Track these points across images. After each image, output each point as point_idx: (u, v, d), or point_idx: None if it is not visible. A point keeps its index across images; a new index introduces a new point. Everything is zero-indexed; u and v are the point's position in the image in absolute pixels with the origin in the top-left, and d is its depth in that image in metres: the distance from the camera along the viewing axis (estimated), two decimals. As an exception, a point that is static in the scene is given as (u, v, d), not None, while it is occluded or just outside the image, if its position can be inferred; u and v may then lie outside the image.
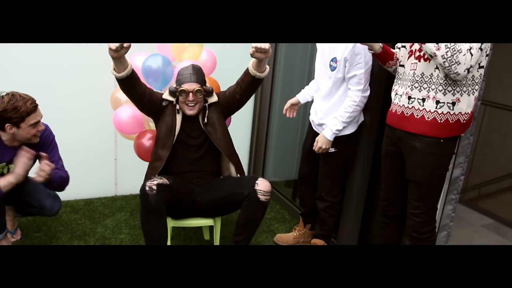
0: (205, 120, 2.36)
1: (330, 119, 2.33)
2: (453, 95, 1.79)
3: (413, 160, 1.91)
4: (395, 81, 2.02)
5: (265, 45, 2.07)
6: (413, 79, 1.87)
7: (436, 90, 1.80)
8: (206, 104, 2.37)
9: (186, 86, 2.28)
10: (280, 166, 3.66)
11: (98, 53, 2.94)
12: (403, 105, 1.92)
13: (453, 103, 1.80)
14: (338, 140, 2.35)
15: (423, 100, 1.84)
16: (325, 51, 2.34)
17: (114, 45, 1.95)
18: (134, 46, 2.35)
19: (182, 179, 2.38)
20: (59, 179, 2.22)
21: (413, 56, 1.89)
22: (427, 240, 1.98)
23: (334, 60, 2.27)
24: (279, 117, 3.50)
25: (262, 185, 2.24)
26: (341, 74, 2.26)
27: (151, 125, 2.72)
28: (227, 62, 3.08)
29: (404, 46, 1.99)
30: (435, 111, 1.82)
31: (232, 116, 2.64)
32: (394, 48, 2.07)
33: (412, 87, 1.88)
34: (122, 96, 2.68)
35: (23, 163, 2.11)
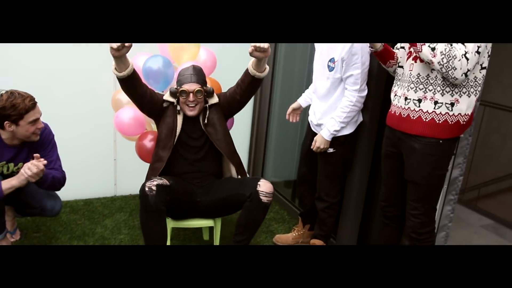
0: (206, 121, 2.36)
1: (328, 119, 2.33)
2: (452, 96, 1.79)
3: (412, 161, 1.91)
4: (394, 82, 2.03)
5: (264, 44, 2.07)
6: (409, 80, 1.88)
7: (434, 91, 1.80)
8: (207, 105, 2.38)
9: (186, 87, 2.29)
10: (279, 166, 3.66)
11: (98, 54, 2.95)
12: (400, 106, 1.92)
13: (452, 104, 1.80)
14: (337, 141, 2.36)
15: (419, 101, 1.84)
16: (323, 51, 2.35)
17: (115, 45, 1.95)
18: (136, 46, 2.36)
19: (183, 180, 2.38)
20: (50, 179, 2.20)
21: (411, 57, 1.90)
22: (426, 241, 1.98)
23: (332, 60, 2.28)
24: (278, 118, 3.50)
25: (264, 186, 2.24)
26: (339, 74, 2.26)
27: (153, 126, 2.72)
28: (227, 62, 3.08)
29: (403, 47, 2.00)
30: (433, 111, 1.82)
31: (232, 117, 2.64)
32: (394, 49, 2.07)
33: (408, 88, 1.88)
34: (123, 97, 2.68)
35: (31, 170, 2.03)
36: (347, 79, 2.24)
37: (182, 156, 2.39)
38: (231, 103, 2.42)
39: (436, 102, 1.81)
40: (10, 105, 2.04)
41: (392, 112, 1.99)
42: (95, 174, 3.23)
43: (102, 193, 3.31)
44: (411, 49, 1.91)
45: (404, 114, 1.90)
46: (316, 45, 2.45)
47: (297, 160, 2.82)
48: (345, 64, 2.21)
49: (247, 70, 2.29)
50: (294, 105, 2.69)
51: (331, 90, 2.33)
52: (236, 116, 2.64)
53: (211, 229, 2.71)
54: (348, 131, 2.35)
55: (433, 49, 1.70)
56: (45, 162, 2.08)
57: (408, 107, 1.88)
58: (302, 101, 2.68)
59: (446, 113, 1.81)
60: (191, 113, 2.33)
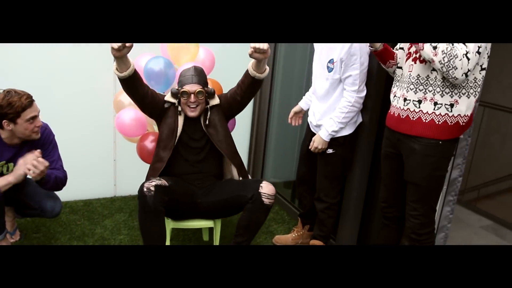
0: (207, 122, 2.36)
1: (327, 120, 2.33)
2: (451, 97, 1.79)
3: (412, 162, 1.91)
4: (393, 83, 2.03)
5: (264, 46, 2.07)
6: (409, 81, 1.88)
7: (433, 92, 1.80)
8: (208, 106, 2.38)
9: (187, 88, 2.29)
10: (279, 167, 3.66)
11: (98, 54, 2.95)
12: (399, 107, 1.92)
13: (451, 105, 1.80)
14: (336, 141, 2.36)
15: (419, 102, 1.84)
16: (322, 52, 2.35)
17: (116, 45, 1.95)
18: (140, 47, 2.36)
19: (183, 180, 2.39)
20: (53, 179, 2.20)
21: (410, 58, 1.90)
22: (426, 241, 1.98)
23: (331, 61, 2.28)
24: (278, 118, 3.50)
25: (266, 188, 2.25)
26: (337, 75, 2.26)
27: (154, 127, 2.73)
28: (228, 62, 3.09)
29: (402, 48, 2.00)
30: (432, 112, 1.82)
31: (232, 117, 2.65)
32: (394, 49, 2.07)
33: (408, 89, 1.88)
34: (125, 99, 2.69)
35: (26, 163, 2.06)
36: (345, 80, 2.24)
37: (183, 156, 2.39)
38: (232, 104, 2.42)
39: (435, 103, 1.81)
40: (6, 103, 2.04)
41: (392, 113, 2.00)
42: (95, 175, 3.23)
43: (102, 194, 3.31)
44: (411, 50, 1.91)
45: (403, 115, 1.90)
46: (316, 46, 2.45)
47: (297, 161, 2.82)
48: (344, 65, 2.22)
49: (247, 71, 2.30)
50: (295, 109, 2.69)
51: (330, 91, 2.34)
52: (236, 117, 2.64)
53: (210, 230, 2.71)
54: (347, 131, 2.35)
55: (434, 47, 1.70)
56: (47, 164, 2.08)
57: (408, 108, 1.88)
58: (303, 104, 2.68)
59: (445, 114, 1.81)
60: (192, 114, 2.33)
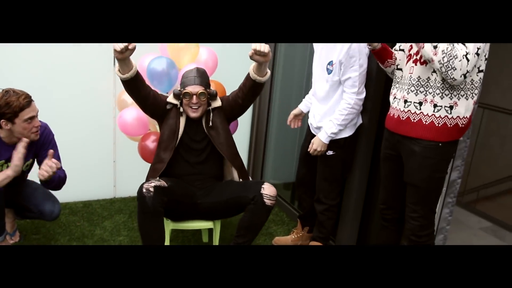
0: (210, 124, 2.37)
1: (326, 122, 2.34)
2: (451, 99, 1.79)
3: (411, 164, 1.91)
4: (393, 84, 2.03)
5: (265, 48, 2.07)
6: (409, 83, 1.88)
7: (433, 94, 1.81)
8: (210, 108, 2.38)
9: (190, 89, 2.30)
10: (279, 168, 3.66)
11: (98, 56, 2.96)
12: (399, 109, 1.92)
13: (451, 107, 1.80)
14: (337, 143, 2.36)
15: (420, 103, 1.84)
16: (322, 54, 2.35)
17: (119, 47, 1.95)
18: (142, 47, 2.35)
19: (184, 181, 2.39)
20: (57, 179, 2.22)
21: (411, 60, 1.90)
22: (425, 243, 1.98)
23: (330, 63, 2.28)
24: (278, 119, 3.50)
25: (268, 189, 2.26)
26: (337, 77, 2.27)
27: (156, 127, 2.73)
28: (230, 64, 3.09)
29: (402, 50, 2.00)
30: (432, 114, 1.82)
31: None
32: (393, 50, 2.07)
33: (408, 91, 1.88)
34: (128, 98, 2.68)
35: (18, 152, 2.09)
36: (345, 82, 2.25)
37: (183, 158, 2.40)
38: (234, 106, 2.43)
39: (435, 105, 1.81)
40: (4, 103, 2.04)
41: (391, 115, 2.00)
42: (95, 176, 3.23)
43: (102, 195, 3.31)
44: (411, 52, 1.91)
45: (403, 117, 1.90)
46: (315, 47, 2.45)
47: (297, 162, 2.82)
48: (343, 67, 2.22)
49: (248, 74, 2.30)
50: (295, 111, 2.69)
51: (330, 93, 2.34)
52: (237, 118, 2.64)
53: (210, 231, 2.71)
54: (347, 133, 2.35)
55: (435, 47, 1.70)
56: (60, 165, 2.10)
57: (409, 110, 1.88)
58: (303, 106, 2.68)
59: (445, 116, 1.81)
60: (193, 114, 2.33)
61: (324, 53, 2.33)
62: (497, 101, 4.45)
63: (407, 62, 1.93)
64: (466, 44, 1.67)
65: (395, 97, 1.98)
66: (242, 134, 3.60)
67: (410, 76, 1.88)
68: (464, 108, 1.81)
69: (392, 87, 2.03)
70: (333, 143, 2.35)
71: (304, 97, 2.71)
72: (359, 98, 2.25)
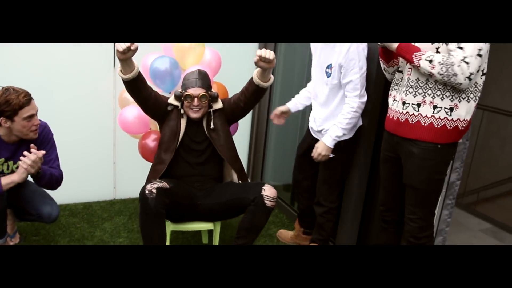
0: (211, 126, 2.37)
1: (330, 125, 2.32)
2: (451, 101, 1.79)
3: (410, 165, 1.91)
4: (391, 86, 2.03)
5: (270, 55, 2.09)
6: (408, 85, 1.88)
7: (433, 95, 1.80)
8: (211, 110, 2.39)
9: (191, 91, 2.31)
10: (278, 170, 3.66)
11: (98, 58, 2.97)
12: (398, 110, 1.92)
13: (451, 109, 1.80)
14: (337, 145, 2.35)
15: (418, 105, 1.84)
16: (320, 57, 2.35)
17: (121, 47, 1.96)
18: (147, 46, 2.35)
19: (184, 183, 2.39)
20: (48, 176, 2.20)
21: None
22: (424, 245, 1.98)
23: (329, 66, 2.28)
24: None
25: (269, 191, 2.26)
26: (336, 80, 2.27)
27: (157, 126, 2.73)
28: (233, 64, 3.09)
29: None
30: (431, 116, 1.82)
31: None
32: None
33: (407, 93, 1.88)
34: (130, 96, 2.68)
35: (29, 160, 2.06)
36: (346, 86, 2.24)
37: (184, 159, 2.40)
38: (235, 109, 2.44)
39: (435, 107, 1.81)
40: (4, 101, 2.04)
41: (390, 117, 2.00)
42: (95, 178, 3.23)
43: (101, 197, 3.31)
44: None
45: (402, 119, 1.90)
46: (313, 50, 2.45)
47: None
48: (343, 70, 2.22)
49: (251, 79, 2.31)
50: (282, 108, 2.67)
51: (330, 97, 2.34)
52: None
53: (210, 232, 2.71)
54: (347, 136, 2.35)
55: (430, 61, 1.71)
56: (43, 152, 2.08)
57: (407, 112, 1.88)
58: (291, 105, 2.67)
59: (445, 117, 1.81)
60: (194, 115, 2.34)
61: (323, 56, 2.33)
62: (497, 103, 4.44)
63: (407, 64, 1.92)
64: (464, 48, 1.66)
65: (394, 99, 1.97)
66: (242, 136, 3.60)
67: (408, 77, 1.88)
68: (465, 110, 1.81)
69: (391, 89, 2.03)
70: (334, 146, 2.35)
71: (311, 100, 2.70)
72: (362, 102, 2.25)
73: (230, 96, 2.62)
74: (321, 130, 2.42)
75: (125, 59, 2.04)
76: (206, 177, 2.45)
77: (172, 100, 2.37)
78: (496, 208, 4.48)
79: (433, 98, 1.81)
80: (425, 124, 1.83)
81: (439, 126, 1.82)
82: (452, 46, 1.69)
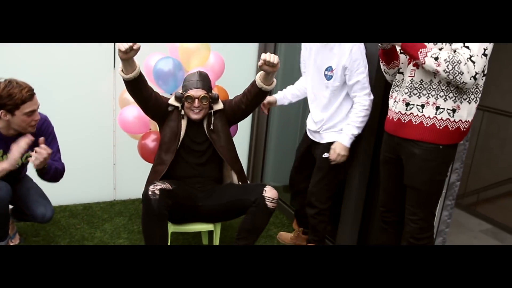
0: (211, 127, 2.37)
1: (344, 126, 2.31)
2: (454, 102, 1.79)
3: (411, 166, 1.91)
4: (392, 88, 2.02)
5: (274, 59, 2.10)
6: (411, 86, 1.87)
7: (436, 96, 1.80)
8: (212, 111, 2.39)
9: (192, 92, 2.31)
10: (279, 171, 3.66)
11: (98, 58, 2.97)
12: (399, 111, 1.92)
13: (453, 110, 1.80)
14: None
15: (423, 106, 1.83)
16: (317, 60, 2.35)
17: (123, 47, 1.96)
18: (151, 46, 2.33)
19: (184, 184, 2.39)
20: (53, 170, 2.20)
21: (411, 63, 1.89)
22: (425, 246, 1.98)
23: (329, 69, 2.28)
24: (278, 121, 3.51)
25: (270, 192, 2.26)
26: (338, 82, 2.27)
27: (157, 126, 2.73)
28: (235, 68, 3.09)
29: (403, 53, 1.98)
30: (434, 117, 1.82)
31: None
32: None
33: (410, 94, 1.87)
34: (130, 97, 2.68)
35: (19, 147, 2.06)
36: (354, 86, 2.24)
37: (184, 159, 2.40)
38: (236, 111, 2.44)
39: (438, 108, 1.81)
40: (6, 94, 2.01)
41: (391, 118, 1.99)
42: (95, 179, 3.23)
43: (102, 198, 3.31)
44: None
45: (405, 120, 1.89)
46: (306, 52, 2.44)
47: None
48: (348, 72, 2.22)
49: (254, 81, 2.31)
50: (270, 99, 2.64)
51: (331, 99, 2.34)
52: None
53: (210, 234, 2.71)
54: None
55: (436, 58, 1.70)
56: (50, 150, 2.07)
57: (411, 113, 1.87)
58: (279, 97, 2.66)
59: (447, 119, 1.81)
60: (195, 116, 2.34)
61: (320, 58, 2.32)
62: (497, 104, 4.44)
63: (408, 65, 1.92)
64: (470, 46, 1.66)
65: (395, 100, 1.97)
66: (242, 137, 3.60)
67: (412, 79, 1.87)
68: (466, 112, 1.81)
69: (392, 90, 2.02)
70: (330, 146, 2.35)
71: (304, 100, 2.71)
72: (371, 99, 2.26)
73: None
74: (319, 131, 2.41)
75: (127, 58, 2.04)
76: (207, 178, 2.45)
77: (172, 101, 2.37)
78: (496, 209, 4.48)
79: (436, 99, 1.80)
80: (428, 125, 1.83)
81: (441, 127, 1.82)
82: (457, 45, 1.68)
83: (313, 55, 2.37)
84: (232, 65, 3.05)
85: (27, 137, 2.07)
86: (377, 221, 2.37)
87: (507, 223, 3.75)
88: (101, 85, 3.05)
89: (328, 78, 2.29)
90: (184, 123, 2.37)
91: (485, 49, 1.67)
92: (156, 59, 2.67)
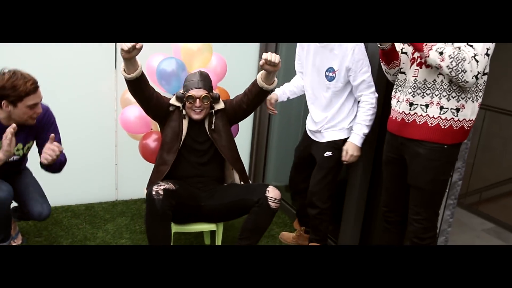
0: (213, 127, 2.38)
1: (354, 126, 2.30)
2: (458, 101, 1.78)
3: (416, 166, 1.90)
4: (394, 88, 2.02)
5: (275, 58, 2.10)
6: (415, 86, 1.87)
7: (440, 96, 1.80)
8: (213, 111, 2.39)
9: (193, 92, 2.31)
10: (280, 170, 3.66)
11: (99, 59, 2.97)
12: (403, 111, 1.91)
13: (457, 109, 1.79)
14: (335, 144, 2.36)
15: (427, 106, 1.83)
16: (316, 60, 2.34)
17: (126, 47, 1.96)
18: (154, 46, 2.32)
19: (187, 183, 2.40)
20: (59, 163, 2.19)
21: (415, 63, 1.89)
22: (428, 245, 1.97)
23: (330, 70, 2.28)
24: (279, 121, 3.50)
25: (273, 192, 2.26)
26: (341, 83, 2.27)
27: (158, 126, 2.73)
28: (235, 70, 3.09)
29: (405, 53, 1.98)
30: (438, 117, 1.81)
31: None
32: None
33: (414, 94, 1.87)
34: (132, 97, 2.69)
35: (7, 138, 2.01)
36: (359, 86, 2.24)
37: (186, 159, 2.40)
38: (237, 111, 2.44)
39: (441, 107, 1.80)
40: (10, 85, 1.98)
41: (394, 118, 1.99)
42: (97, 179, 3.23)
43: (104, 198, 3.31)
44: (415, 55, 1.89)
45: (408, 120, 1.89)
46: (304, 53, 2.43)
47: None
48: (352, 72, 2.22)
49: (255, 81, 2.31)
50: (273, 96, 2.62)
51: (333, 100, 2.34)
52: (238, 121, 2.65)
53: (212, 233, 2.71)
54: (345, 135, 2.35)
55: (441, 53, 1.68)
56: (62, 148, 2.07)
57: (415, 113, 1.87)
58: (279, 93, 2.64)
59: (451, 118, 1.80)
60: (196, 116, 2.34)
61: (319, 59, 2.32)
62: (499, 103, 4.43)
63: (411, 65, 1.91)
64: (474, 45, 1.65)
65: (398, 100, 1.96)
66: (244, 136, 3.60)
67: (415, 79, 1.86)
68: (470, 110, 1.80)
69: (394, 90, 2.02)
70: (332, 144, 2.35)
71: (305, 99, 2.70)
72: (377, 97, 2.26)
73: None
74: (320, 130, 2.41)
75: (130, 58, 2.04)
76: (208, 177, 2.45)
77: (173, 101, 2.38)
78: (499, 208, 4.47)
79: (439, 99, 1.80)
80: (432, 125, 1.82)
81: (445, 127, 1.81)
82: (460, 43, 1.68)
83: (311, 55, 2.37)
84: (233, 66, 3.05)
85: (10, 127, 2.00)
86: (379, 220, 2.37)
87: (510, 222, 3.74)
88: (102, 85, 3.05)
89: (330, 79, 2.29)
90: (185, 123, 2.37)
91: (488, 49, 1.67)
92: (158, 59, 2.67)
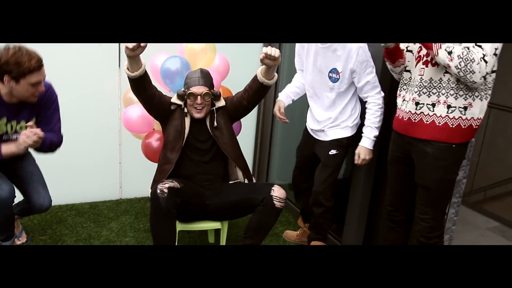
0: (214, 124, 2.38)
1: (364, 129, 2.29)
2: (465, 100, 1.77)
3: (423, 165, 1.89)
4: (400, 86, 2.01)
5: (275, 53, 2.09)
6: (420, 85, 1.85)
7: (447, 95, 1.78)
8: (214, 108, 2.39)
9: (194, 89, 2.31)
10: (284, 169, 3.65)
11: (103, 57, 2.97)
12: (409, 111, 1.90)
13: (465, 108, 1.78)
14: (340, 143, 2.36)
15: (433, 105, 1.81)
16: (317, 61, 2.33)
17: (131, 45, 1.96)
18: (160, 46, 2.32)
19: (192, 182, 2.40)
20: (48, 144, 2.17)
21: (420, 61, 1.87)
22: (435, 245, 1.96)
23: (334, 71, 2.27)
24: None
25: (278, 191, 2.27)
26: (345, 85, 2.26)
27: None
28: (238, 70, 3.09)
29: (410, 51, 1.97)
30: (446, 115, 1.80)
31: (238, 119, 2.65)
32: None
33: (420, 93, 1.85)
34: (134, 96, 2.69)
35: (28, 138, 2.01)
36: (364, 87, 2.24)
37: (189, 157, 2.40)
38: (238, 107, 2.43)
39: (449, 106, 1.79)
40: (14, 61, 1.94)
41: (400, 117, 1.97)
42: (101, 177, 3.24)
43: (108, 196, 3.32)
44: (421, 53, 1.87)
45: (415, 119, 1.87)
46: (304, 53, 2.42)
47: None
48: (356, 74, 2.21)
49: (255, 76, 2.31)
50: (281, 104, 2.57)
51: (337, 101, 2.33)
52: (241, 119, 2.64)
53: (216, 232, 2.72)
54: (349, 133, 2.35)
55: (449, 53, 1.67)
56: (42, 134, 2.04)
57: (421, 112, 1.85)
58: (283, 98, 2.60)
59: (459, 117, 1.79)
60: (198, 115, 2.34)
61: (321, 59, 2.31)
62: (504, 101, 4.41)
63: (417, 64, 1.89)
64: (483, 46, 1.64)
65: (404, 99, 1.95)
66: (247, 135, 3.60)
67: (421, 78, 1.85)
68: (478, 109, 1.79)
69: (400, 89, 2.00)
70: (337, 143, 2.35)
71: (307, 99, 2.68)
72: (383, 96, 2.25)
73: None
74: (323, 129, 2.40)
75: (134, 56, 2.04)
76: (212, 175, 2.45)
77: (175, 99, 2.38)
78: (504, 206, 4.45)
79: (446, 98, 1.78)
80: (440, 124, 1.81)
81: (453, 126, 1.80)
82: (468, 43, 1.66)
83: (312, 55, 2.36)
84: (236, 66, 3.05)
85: (40, 134, 2.02)
86: (383, 219, 2.36)
87: (514, 220, 3.73)
88: (106, 84, 3.05)
89: (334, 80, 2.28)
90: (187, 121, 2.37)
91: (496, 49, 1.65)
92: (162, 58, 2.67)
